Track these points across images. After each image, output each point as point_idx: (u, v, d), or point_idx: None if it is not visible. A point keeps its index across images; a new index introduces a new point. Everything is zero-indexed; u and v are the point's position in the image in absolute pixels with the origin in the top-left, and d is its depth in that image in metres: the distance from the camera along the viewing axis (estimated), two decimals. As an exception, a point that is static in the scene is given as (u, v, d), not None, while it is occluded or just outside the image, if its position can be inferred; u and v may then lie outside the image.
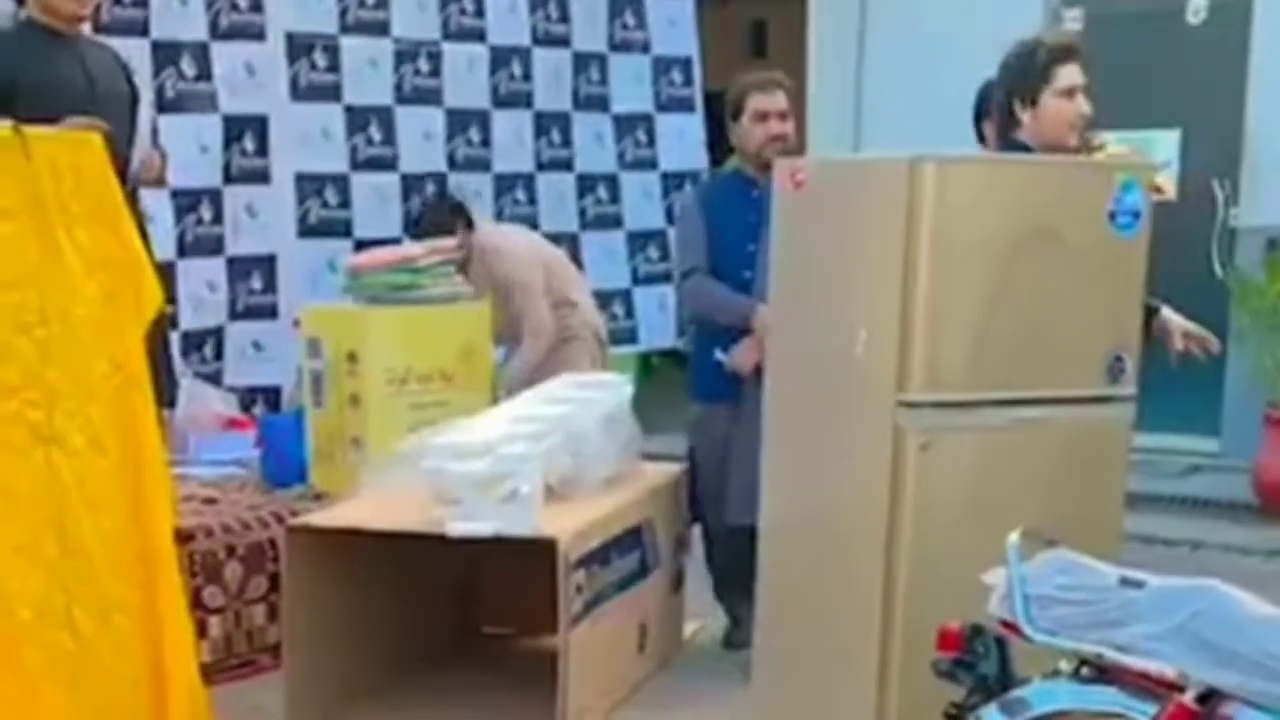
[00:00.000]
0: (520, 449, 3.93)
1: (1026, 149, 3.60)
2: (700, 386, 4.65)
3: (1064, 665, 2.59)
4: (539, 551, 3.80)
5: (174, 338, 5.65)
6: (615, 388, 4.61)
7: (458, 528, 3.81)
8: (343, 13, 6.66)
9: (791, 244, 3.33)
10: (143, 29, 5.85)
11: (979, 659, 2.66)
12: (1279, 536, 6.26)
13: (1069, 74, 3.65)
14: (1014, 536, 2.60)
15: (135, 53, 5.46)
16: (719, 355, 4.45)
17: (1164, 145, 7.17)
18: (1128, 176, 3.25)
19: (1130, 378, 3.30)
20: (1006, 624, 2.62)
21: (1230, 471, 6.91)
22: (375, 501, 4.11)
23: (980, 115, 4.36)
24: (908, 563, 3.11)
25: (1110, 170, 3.34)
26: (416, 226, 6.25)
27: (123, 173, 4.13)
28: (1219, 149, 7.12)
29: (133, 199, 4.35)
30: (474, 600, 4.84)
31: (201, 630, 4.25)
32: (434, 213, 6.21)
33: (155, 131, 5.23)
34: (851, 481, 3.20)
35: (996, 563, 2.64)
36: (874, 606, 3.14)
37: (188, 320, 5.99)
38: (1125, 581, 2.52)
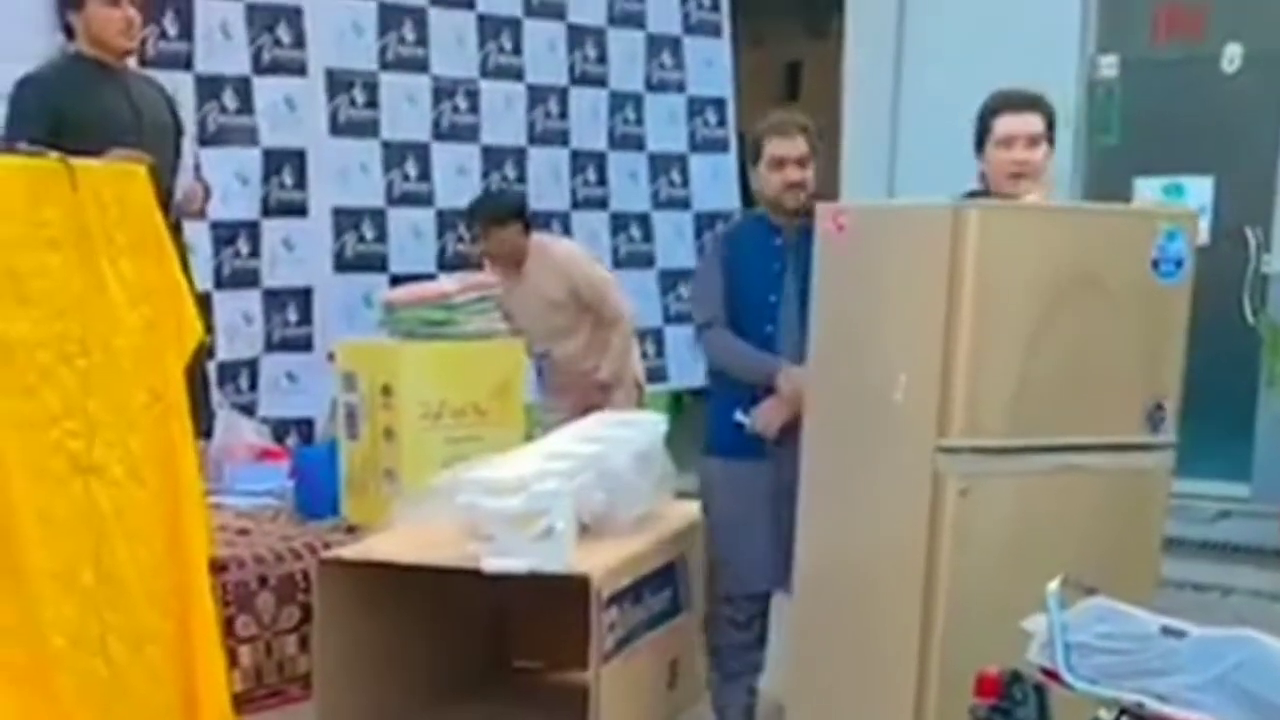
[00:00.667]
0: (554, 486, 3.93)
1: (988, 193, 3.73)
2: (719, 442, 4.23)
3: (1104, 714, 2.58)
4: (570, 586, 3.81)
5: (210, 368, 5.69)
6: (649, 426, 4.62)
7: (492, 564, 3.82)
8: (382, 50, 6.73)
9: (832, 289, 3.34)
10: (187, 63, 5.92)
11: (1017, 705, 2.65)
12: (1310, 584, 6.22)
13: (1006, 124, 3.78)
14: (1054, 584, 2.59)
15: (179, 86, 5.54)
16: (739, 416, 4.10)
17: (1197, 191, 7.16)
18: (1172, 225, 3.25)
19: (1170, 426, 3.30)
20: (1046, 671, 2.61)
21: (1260, 517, 6.86)
22: (408, 535, 4.12)
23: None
24: (945, 607, 3.09)
25: (1154, 218, 3.35)
26: (472, 213, 6.20)
27: (166, 204, 4.17)
28: (1252, 196, 7.10)
29: (176, 230, 4.40)
30: (504, 634, 4.84)
31: (233, 660, 4.27)
32: (494, 201, 6.21)
33: (197, 165, 5.29)
34: (890, 526, 3.20)
35: (1034, 609, 2.63)
36: (910, 651, 3.13)
37: (223, 351, 6.03)
38: (1167, 631, 2.51)
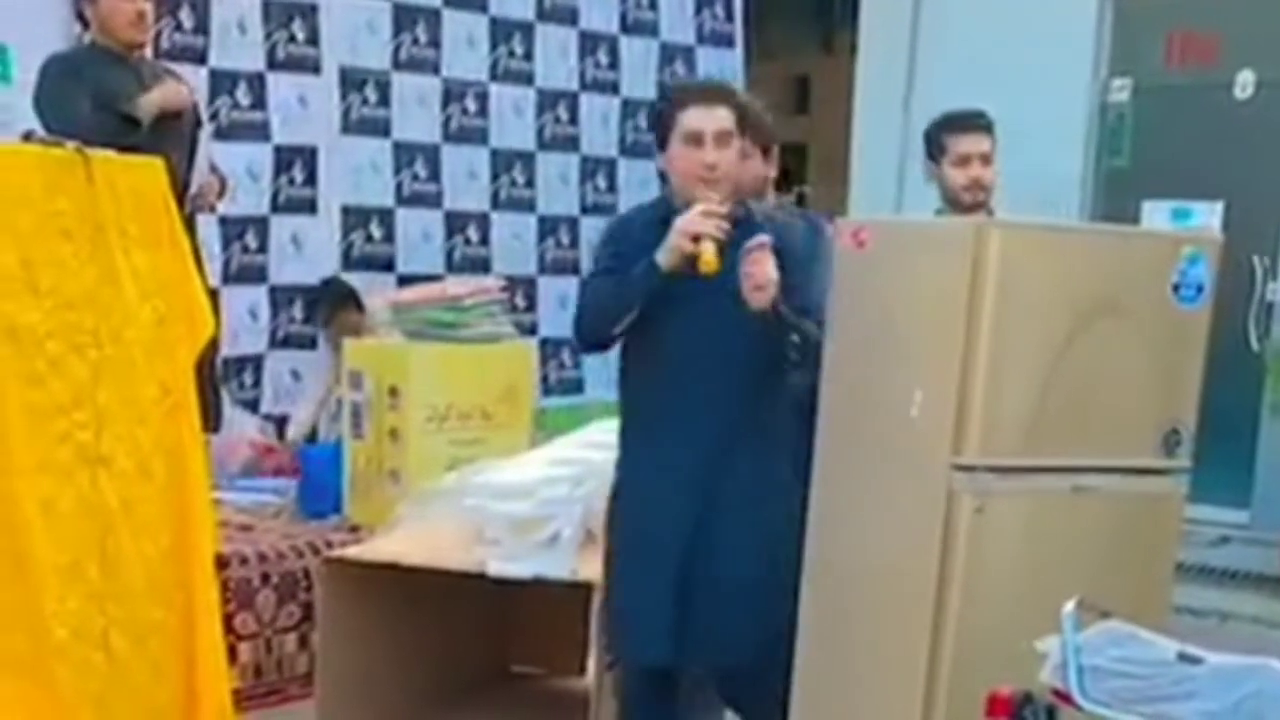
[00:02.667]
0: (562, 492, 3.93)
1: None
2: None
3: (1116, 738, 2.57)
4: (571, 592, 3.80)
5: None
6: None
7: (498, 568, 3.81)
8: (395, 50, 6.73)
9: (850, 303, 3.32)
10: (201, 57, 5.93)
11: (1028, 727, 2.63)
12: (1307, 612, 6.22)
13: (959, 143, 4.21)
14: (1070, 605, 2.58)
15: (193, 79, 5.53)
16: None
17: (1205, 217, 7.16)
18: (1194, 249, 3.24)
19: (1185, 451, 3.28)
20: (1058, 693, 2.59)
21: (1259, 544, 6.85)
22: (413, 536, 4.11)
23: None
24: (956, 625, 3.07)
25: (1176, 242, 3.34)
26: (314, 308, 6.34)
27: (181, 197, 4.17)
28: (1260, 223, 7.09)
29: (189, 225, 4.39)
30: (503, 638, 4.82)
31: (232, 656, 4.23)
32: (330, 295, 6.27)
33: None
34: (902, 543, 3.17)
35: (1047, 629, 2.61)
36: (919, 667, 3.10)
37: (228, 347, 6.02)
38: (1183, 657, 2.49)
